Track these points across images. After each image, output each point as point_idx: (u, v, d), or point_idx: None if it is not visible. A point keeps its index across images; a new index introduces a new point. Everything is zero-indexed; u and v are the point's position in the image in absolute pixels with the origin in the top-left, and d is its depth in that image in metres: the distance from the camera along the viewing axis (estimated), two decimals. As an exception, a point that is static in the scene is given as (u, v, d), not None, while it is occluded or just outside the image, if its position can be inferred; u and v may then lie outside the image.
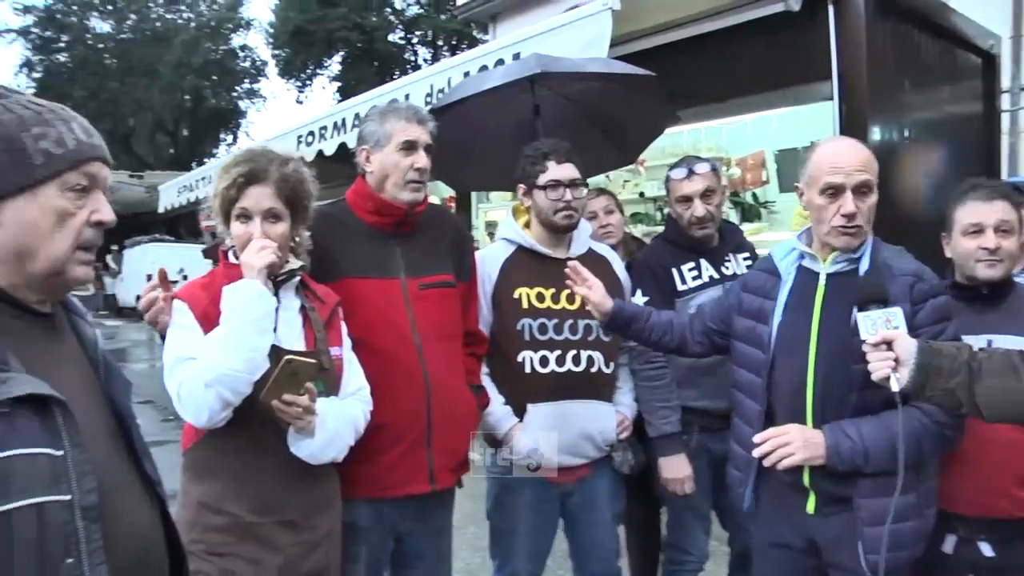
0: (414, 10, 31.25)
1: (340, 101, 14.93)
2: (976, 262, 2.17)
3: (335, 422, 2.04)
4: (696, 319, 2.51)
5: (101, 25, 35.99)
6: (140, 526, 1.32)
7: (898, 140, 4.07)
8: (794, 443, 2.00)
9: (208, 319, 1.97)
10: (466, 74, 4.20)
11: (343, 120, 5.32)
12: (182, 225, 21.88)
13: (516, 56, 3.83)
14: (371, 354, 2.27)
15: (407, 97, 4.64)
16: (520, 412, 2.64)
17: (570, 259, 2.53)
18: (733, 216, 7.15)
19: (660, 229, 3.76)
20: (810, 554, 2.17)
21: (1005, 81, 5.94)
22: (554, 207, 2.66)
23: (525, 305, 2.65)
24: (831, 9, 3.78)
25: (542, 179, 2.68)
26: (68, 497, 1.12)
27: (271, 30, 32.73)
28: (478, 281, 2.69)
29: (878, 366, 1.83)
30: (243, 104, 38.18)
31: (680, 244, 2.95)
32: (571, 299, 2.64)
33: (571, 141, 2.83)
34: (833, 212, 2.06)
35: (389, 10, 31.36)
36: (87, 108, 30.05)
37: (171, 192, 9.63)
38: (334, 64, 32.15)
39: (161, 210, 10.42)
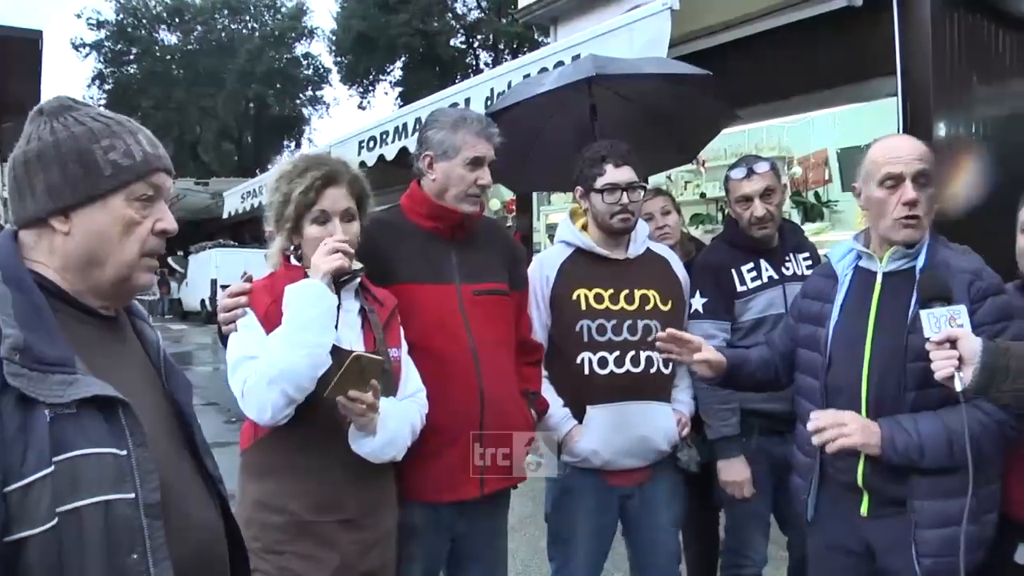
0: (475, 15, 31.57)
1: (402, 106, 15.14)
2: None
3: (395, 422, 2.05)
4: (773, 352, 2.45)
5: (168, 37, 37.43)
6: (202, 522, 1.36)
7: (965, 136, 3.96)
8: (851, 425, 1.98)
9: (269, 319, 2.00)
10: (526, 76, 4.23)
11: (404, 125, 5.41)
12: (246, 230, 22.40)
13: (575, 58, 3.84)
14: (426, 358, 2.28)
15: (468, 101, 4.68)
16: (579, 414, 2.63)
17: (628, 259, 2.50)
18: (795, 216, 7.04)
19: (721, 229, 3.72)
20: (866, 559, 2.13)
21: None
22: (611, 210, 2.65)
23: (584, 306, 2.64)
24: (895, 3, 3.70)
25: (599, 182, 2.66)
26: (132, 495, 1.16)
27: (333, 37, 33.47)
28: (537, 283, 2.70)
29: (941, 365, 1.79)
30: (306, 111, 39.27)
31: (739, 244, 2.92)
32: (629, 299, 2.63)
33: (629, 141, 2.80)
34: (895, 203, 2.04)
35: (450, 15, 31.72)
36: (155, 118, 31.31)
37: (235, 198, 9.93)
38: (396, 70, 32.79)
39: (225, 216, 10.77)
